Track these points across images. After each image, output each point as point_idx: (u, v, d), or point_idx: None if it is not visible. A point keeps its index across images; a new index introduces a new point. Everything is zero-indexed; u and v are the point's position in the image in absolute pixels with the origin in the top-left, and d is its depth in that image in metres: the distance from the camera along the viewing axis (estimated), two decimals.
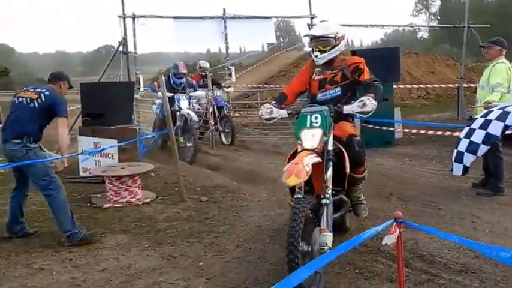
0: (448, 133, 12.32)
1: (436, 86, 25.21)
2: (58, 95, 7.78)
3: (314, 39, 6.49)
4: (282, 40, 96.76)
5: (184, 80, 14.32)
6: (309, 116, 5.71)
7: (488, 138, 7.60)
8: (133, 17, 15.00)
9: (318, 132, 5.60)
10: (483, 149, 7.70)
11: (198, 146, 13.40)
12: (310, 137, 5.56)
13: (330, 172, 5.59)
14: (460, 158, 7.85)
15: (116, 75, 15.13)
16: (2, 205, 9.46)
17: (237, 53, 49.40)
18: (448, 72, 32.54)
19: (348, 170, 6.04)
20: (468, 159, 7.75)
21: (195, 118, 13.40)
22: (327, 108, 5.79)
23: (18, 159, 7.29)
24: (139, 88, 15.33)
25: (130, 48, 15.10)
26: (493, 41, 9.42)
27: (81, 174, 11.54)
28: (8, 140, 7.31)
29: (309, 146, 5.50)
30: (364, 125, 14.62)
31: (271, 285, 5.76)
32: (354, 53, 17.10)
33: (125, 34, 14.84)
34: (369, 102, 5.86)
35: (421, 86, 26.70)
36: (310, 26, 16.72)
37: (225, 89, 16.82)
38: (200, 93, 14.90)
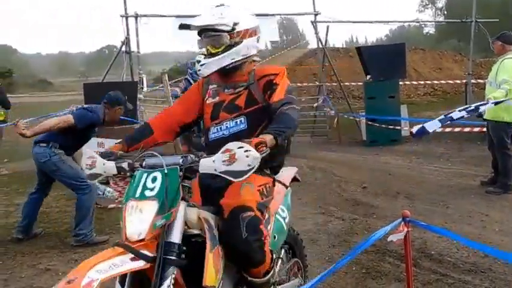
0: (457, 129, 12.32)
1: (443, 82, 25.15)
2: (97, 114, 7.62)
3: (200, 33, 3.98)
4: (285, 38, 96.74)
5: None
6: (144, 176, 3.25)
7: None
8: (136, 17, 14.98)
9: (151, 207, 3.11)
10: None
11: None
12: (137, 217, 3.11)
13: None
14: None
15: (119, 75, 15.16)
16: (7, 206, 9.52)
17: None
18: (456, 68, 32.47)
19: (205, 283, 3.23)
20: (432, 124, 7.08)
21: None
22: (177, 161, 3.33)
23: (40, 163, 7.39)
24: (142, 88, 15.36)
25: (133, 47, 15.11)
26: (498, 36, 9.38)
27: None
28: (36, 143, 7.40)
29: (132, 233, 3.06)
30: (370, 123, 14.65)
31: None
32: (359, 49, 17.15)
33: (128, 34, 14.83)
34: (244, 156, 3.09)
35: (428, 82, 26.65)
36: (313, 23, 16.74)
37: None
38: None
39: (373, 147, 14.45)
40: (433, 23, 78.84)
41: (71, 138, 7.44)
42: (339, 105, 18.47)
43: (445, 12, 77.23)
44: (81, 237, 7.33)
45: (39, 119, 10.95)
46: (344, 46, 51.47)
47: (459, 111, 6.70)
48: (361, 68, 17.05)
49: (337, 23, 17.46)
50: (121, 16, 14.89)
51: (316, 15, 16.54)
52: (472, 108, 7.03)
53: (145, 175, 3.24)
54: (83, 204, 7.41)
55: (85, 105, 8.10)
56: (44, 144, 7.30)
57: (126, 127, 11.82)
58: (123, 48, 14.82)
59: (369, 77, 15.95)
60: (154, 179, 3.21)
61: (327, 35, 16.79)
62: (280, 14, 18.78)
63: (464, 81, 19.09)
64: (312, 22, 16.70)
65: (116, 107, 7.84)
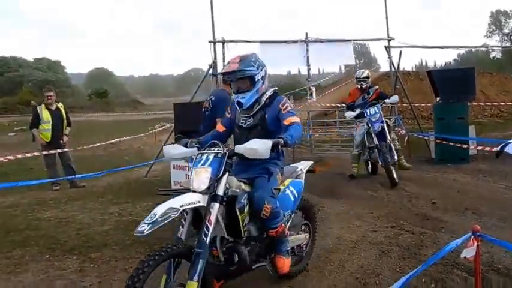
0: None
1: (509, 104, 24.57)
2: (225, 95, 8.50)
3: None
4: (357, 62, 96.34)
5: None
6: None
7: None
8: (223, 42, 15.29)
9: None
10: None
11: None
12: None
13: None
14: None
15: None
16: (102, 214, 9.81)
17: (316, 74, 49.55)
18: None
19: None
20: None
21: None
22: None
23: None
24: None
25: (219, 71, 15.34)
26: None
27: (173, 187, 11.76)
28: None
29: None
30: (439, 141, 14.46)
31: None
32: (430, 73, 16.95)
33: (215, 58, 15.17)
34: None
35: (495, 104, 26.07)
36: (387, 48, 16.62)
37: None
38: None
39: (442, 166, 14.22)
40: (500, 48, 77.29)
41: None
42: (408, 125, 18.25)
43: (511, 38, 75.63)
44: None
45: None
46: (414, 70, 50.82)
47: None
48: (431, 91, 16.84)
49: (409, 47, 17.27)
50: (209, 42, 15.24)
51: (389, 40, 16.46)
52: None
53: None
54: None
55: (212, 98, 8.80)
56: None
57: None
58: (211, 71, 15.09)
59: (438, 98, 15.73)
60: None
61: (399, 59, 16.66)
62: (356, 40, 18.77)
63: None
64: (385, 47, 16.59)
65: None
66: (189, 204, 4.60)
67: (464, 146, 14.08)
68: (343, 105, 16.12)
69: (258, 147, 4.85)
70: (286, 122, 5.41)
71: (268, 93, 5.69)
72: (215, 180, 4.86)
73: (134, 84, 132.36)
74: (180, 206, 4.50)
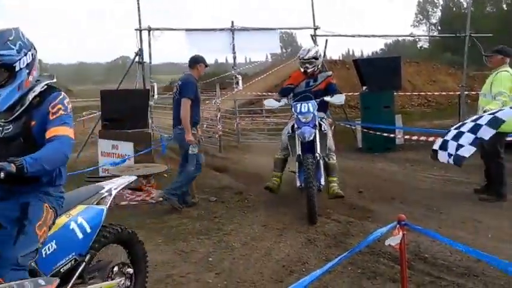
0: None
1: (436, 94, 25.08)
2: (190, 78, 9.11)
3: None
4: (284, 51, 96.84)
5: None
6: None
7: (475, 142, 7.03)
8: (149, 30, 15.17)
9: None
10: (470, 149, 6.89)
11: None
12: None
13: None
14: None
15: (133, 84, 15.31)
16: None
17: (243, 63, 49.48)
18: (449, 80, 32.39)
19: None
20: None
21: None
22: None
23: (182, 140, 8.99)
24: (153, 95, 15.57)
25: (146, 58, 15.31)
26: (496, 49, 9.23)
27: (101, 174, 11.78)
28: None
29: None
30: (366, 130, 14.60)
31: (276, 281, 5.80)
32: (356, 62, 17.14)
33: (141, 46, 15.06)
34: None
35: (422, 93, 26.57)
36: (313, 37, 16.70)
37: None
38: None
39: (368, 155, 14.38)
40: (427, 37, 78.99)
41: (193, 110, 8.97)
42: (335, 114, 18.40)
43: (439, 28, 77.44)
44: (169, 198, 8.90)
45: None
46: (341, 58, 51.37)
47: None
48: (358, 80, 17.01)
49: (335, 36, 17.39)
50: (135, 30, 15.10)
51: (315, 29, 16.56)
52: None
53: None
54: (185, 172, 9.14)
55: (179, 82, 9.22)
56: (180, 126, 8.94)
57: (139, 131, 12.39)
58: (137, 59, 14.99)
59: (365, 88, 15.90)
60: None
61: (325, 48, 16.71)
62: (282, 28, 18.78)
63: (457, 93, 19.02)
64: (311, 36, 16.66)
65: (196, 65, 9.27)
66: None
67: (392, 135, 14.28)
68: (269, 94, 16.01)
69: None
70: (48, 134, 3.79)
71: (38, 88, 3.93)
72: None
73: (62, 72, 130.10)
74: None
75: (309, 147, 8.44)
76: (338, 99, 9.11)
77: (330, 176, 8.78)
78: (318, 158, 8.45)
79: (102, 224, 4.57)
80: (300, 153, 8.46)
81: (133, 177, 5.36)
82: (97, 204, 4.59)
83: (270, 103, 9.50)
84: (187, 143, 8.84)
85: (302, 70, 9.42)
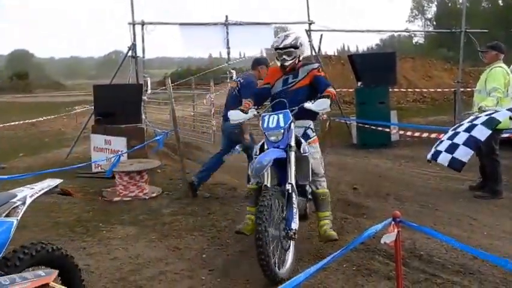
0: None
1: (431, 90, 25.08)
2: (252, 79, 9.15)
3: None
4: None
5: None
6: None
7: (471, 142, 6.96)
8: (142, 24, 15.13)
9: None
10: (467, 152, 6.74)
11: None
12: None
13: None
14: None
15: (126, 78, 15.27)
16: None
17: (237, 57, 49.39)
18: (445, 76, 32.34)
19: None
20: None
21: None
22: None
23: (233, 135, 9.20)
24: (146, 90, 15.56)
25: (139, 53, 15.27)
26: (491, 45, 9.24)
27: (94, 170, 11.82)
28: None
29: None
30: (361, 125, 14.61)
31: None
32: (351, 57, 17.14)
33: (134, 40, 15.01)
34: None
35: (417, 89, 26.57)
36: (308, 32, 16.68)
37: None
38: None
39: (363, 151, 14.40)
40: (423, 33, 78.95)
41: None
42: (330, 110, 18.45)
43: (434, 23, 77.42)
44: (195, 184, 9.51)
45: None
46: (336, 54, 51.30)
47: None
48: (353, 75, 17.02)
49: (330, 31, 17.38)
50: (128, 24, 15.03)
51: (310, 24, 16.53)
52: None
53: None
54: (214, 159, 9.75)
55: (240, 80, 9.31)
56: None
57: (131, 126, 12.34)
58: (130, 53, 14.93)
59: (360, 83, 15.91)
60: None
61: (320, 43, 16.73)
62: (276, 23, 18.74)
63: (453, 89, 19.01)
64: (306, 31, 16.63)
65: (257, 67, 9.37)
66: None
67: (386, 130, 14.29)
68: None
69: None
70: None
71: None
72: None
73: (55, 66, 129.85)
74: None
75: (282, 172, 6.18)
76: (321, 105, 6.24)
77: (319, 211, 6.65)
78: (290, 190, 5.93)
79: (31, 242, 4.10)
80: (267, 183, 6.06)
81: (58, 181, 4.65)
82: (6, 216, 3.86)
83: (236, 116, 6.64)
84: (243, 139, 9.09)
85: (279, 64, 6.93)
